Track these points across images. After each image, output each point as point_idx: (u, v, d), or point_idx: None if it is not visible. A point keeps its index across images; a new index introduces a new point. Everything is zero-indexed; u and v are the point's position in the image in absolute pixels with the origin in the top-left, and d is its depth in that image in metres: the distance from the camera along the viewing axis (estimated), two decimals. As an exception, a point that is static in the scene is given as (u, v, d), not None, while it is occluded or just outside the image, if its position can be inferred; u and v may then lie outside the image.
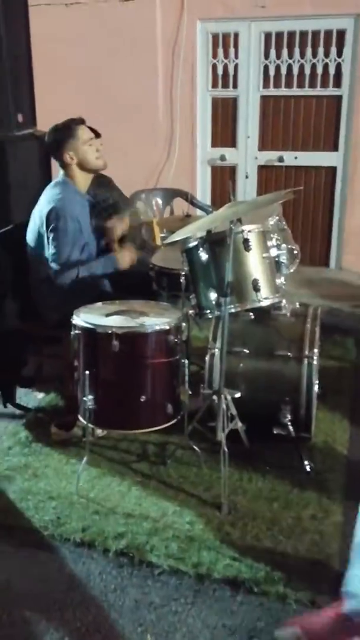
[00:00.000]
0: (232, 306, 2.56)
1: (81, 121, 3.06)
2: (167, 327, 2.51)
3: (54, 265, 2.93)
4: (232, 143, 5.46)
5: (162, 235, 4.17)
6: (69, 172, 3.04)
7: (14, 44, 3.69)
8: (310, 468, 2.72)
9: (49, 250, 2.94)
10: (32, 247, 3.04)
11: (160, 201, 5.04)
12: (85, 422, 2.57)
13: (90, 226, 3.16)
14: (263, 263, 2.62)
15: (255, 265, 2.59)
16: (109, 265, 3.07)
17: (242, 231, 2.53)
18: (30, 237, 3.05)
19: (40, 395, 3.38)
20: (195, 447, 2.75)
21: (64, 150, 2.99)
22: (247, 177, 5.47)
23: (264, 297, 2.60)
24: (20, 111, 3.77)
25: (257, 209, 2.49)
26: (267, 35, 5.12)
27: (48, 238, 2.94)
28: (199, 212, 4.99)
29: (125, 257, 3.15)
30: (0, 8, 3.49)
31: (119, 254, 3.15)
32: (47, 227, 2.93)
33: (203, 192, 5.59)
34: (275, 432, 2.79)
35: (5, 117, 3.64)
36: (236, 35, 5.19)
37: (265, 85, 5.25)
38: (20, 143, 3.66)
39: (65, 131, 3.00)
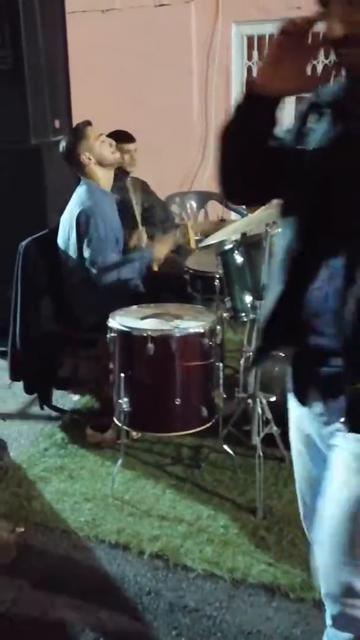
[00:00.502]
0: (267, 309, 2.53)
1: (87, 123, 3.08)
2: (202, 330, 2.50)
3: (92, 269, 2.95)
4: (268, 145, 5.43)
5: (197, 238, 4.18)
6: (89, 173, 3.06)
7: (51, 51, 3.73)
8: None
9: (86, 254, 2.97)
10: (64, 251, 3.07)
11: (194, 204, 5.04)
12: (120, 425, 2.58)
13: (119, 222, 3.19)
14: (299, 265, 2.59)
15: (291, 267, 2.56)
16: (147, 258, 3.10)
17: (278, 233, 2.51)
18: (62, 241, 3.09)
19: (76, 397, 3.42)
20: (229, 451, 2.74)
21: (80, 152, 3.02)
22: (282, 179, 5.43)
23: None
24: (57, 117, 3.81)
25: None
26: (303, 36, 5.08)
27: (82, 242, 2.96)
28: (233, 215, 4.97)
29: (162, 249, 3.19)
30: (38, 16, 3.53)
31: (157, 245, 3.19)
32: (80, 231, 2.96)
33: (238, 194, 5.57)
34: (311, 436, 2.75)
35: (42, 123, 3.68)
36: (271, 37, 5.14)
37: (301, 86, 5.20)
38: (56, 148, 3.69)
39: (76, 135, 3.06)
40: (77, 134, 3.04)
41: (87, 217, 2.94)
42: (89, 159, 3.03)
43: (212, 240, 2.58)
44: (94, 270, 2.95)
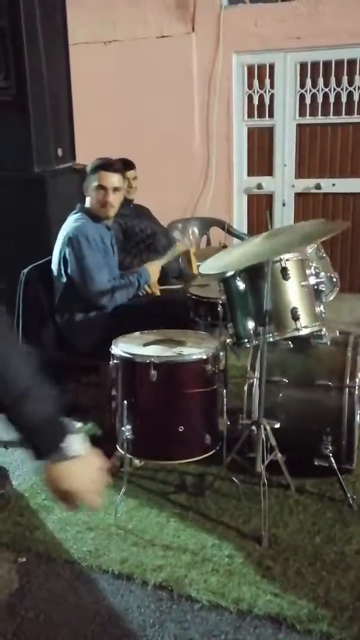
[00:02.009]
0: (270, 335, 2.53)
1: (108, 168, 3.09)
2: (205, 357, 2.50)
3: (87, 291, 2.98)
4: (269, 171, 5.49)
5: (199, 264, 4.20)
6: (89, 203, 3.15)
7: (55, 81, 3.80)
8: (353, 501, 2.64)
9: (77, 278, 3.00)
10: (56, 276, 3.11)
11: (197, 230, 5.08)
12: (123, 453, 2.56)
13: (112, 250, 3.21)
14: (302, 291, 2.59)
15: (294, 293, 2.57)
16: (140, 282, 3.14)
17: (280, 260, 2.52)
18: (54, 267, 3.12)
19: (78, 424, 3.39)
20: (234, 479, 2.71)
21: (86, 185, 3.14)
22: (284, 204, 5.48)
23: (304, 326, 2.56)
24: (60, 145, 3.86)
25: (296, 239, 2.46)
26: (303, 65, 5.17)
27: (74, 265, 3.00)
28: (235, 241, 5.00)
29: (154, 269, 3.24)
30: (42, 47, 3.60)
31: (150, 267, 3.23)
32: (71, 255, 3.00)
33: (240, 220, 5.62)
34: (316, 463, 2.73)
35: (46, 151, 3.73)
36: (271, 66, 5.25)
37: (302, 113, 5.28)
38: (59, 177, 3.74)
39: (92, 167, 3.13)
40: (93, 168, 3.11)
41: (77, 240, 2.99)
42: (85, 190, 3.14)
43: (215, 269, 2.58)
44: (90, 292, 2.99)
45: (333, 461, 2.69)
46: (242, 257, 2.48)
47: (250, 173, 5.55)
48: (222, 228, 4.95)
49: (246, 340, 2.64)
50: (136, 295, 3.20)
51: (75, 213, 3.13)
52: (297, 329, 2.56)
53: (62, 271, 3.07)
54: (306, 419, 2.75)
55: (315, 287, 2.74)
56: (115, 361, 2.57)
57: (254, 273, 2.51)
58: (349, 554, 2.36)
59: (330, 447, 2.69)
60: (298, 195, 5.44)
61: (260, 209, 5.57)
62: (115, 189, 3.10)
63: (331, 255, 3.24)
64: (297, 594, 2.17)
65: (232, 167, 5.50)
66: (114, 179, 3.10)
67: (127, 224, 3.89)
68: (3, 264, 3.73)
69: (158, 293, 3.33)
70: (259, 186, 5.51)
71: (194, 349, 2.55)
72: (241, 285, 2.57)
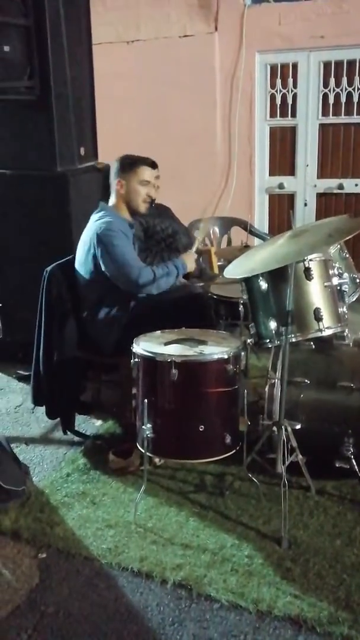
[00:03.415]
0: (293, 335, 2.52)
1: (150, 164, 3.14)
2: (226, 357, 2.49)
3: (130, 281, 2.95)
4: (291, 171, 5.46)
5: (220, 263, 4.18)
6: (116, 200, 3.13)
7: (78, 81, 3.82)
8: (374, 504, 2.62)
9: (116, 272, 2.96)
10: (80, 274, 3.10)
11: (217, 230, 5.06)
12: (143, 451, 2.56)
13: (134, 247, 3.21)
14: (325, 292, 2.58)
15: (317, 294, 2.55)
16: (180, 266, 3.10)
17: (304, 260, 2.50)
18: (78, 265, 3.10)
19: (99, 422, 3.41)
20: (254, 479, 2.70)
21: (120, 177, 3.09)
22: (305, 205, 5.45)
23: (326, 327, 2.55)
24: (83, 145, 3.88)
25: (320, 238, 2.43)
26: (326, 65, 5.13)
27: (108, 260, 2.96)
28: (256, 241, 4.98)
29: (191, 259, 3.20)
30: (65, 47, 3.62)
31: (185, 257, 3.19)
32: (105, 249, 2.96)
33: (261, 220, 5.59)
34: (337, 465, 2.71)
35: (69, 150, 3.75)
36: (294, 66, 5.22)
37: (325, 113, 5.24)
38: (82, 175, 3.76)
39: (129, 162, 3.11)
40: (131, 162, 3.10)
41: (109, 233, 2.96)
42: (121, 187, 3.09)
43: (239, 271, 2.56)
44: (132, 276, 2.94)
45: (355, 463, 2.66)
46: (266, 260, 2.46)
47: (272, 173, 5.52)
48: (243, 228, 4.93)
49: (268, 340, 2.63)
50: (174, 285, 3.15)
51: (98, 212, 3.13)
52: (320, 330, 2.54)
53: (91, 269, 3.04)
54: (328, 420, 2.73)
55: (338, 287, 2.72)
56: (136, 360, 2.58)
57: (277, 273, 2.49)
58: (370, 557, 2.34)
59: (351, 449, 2.67)
60: (320, 195, 5.41)
61: (281, 209, 5.55)
62: (155, 185, 3.15)
63: (354, 254, 3.21)
64: (317, 596, 2.16)
65: (253, 167, 5.48)
66: (155, 174, 3.15)
67: (149, 223, 3.89)
68: (26, 262, 3.76)
69: (216, 271, 3.31)
70: (281, 186, 5.49)
71: (215, 349, 2.55)
72: (264, 285, 2.56)
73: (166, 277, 3.03)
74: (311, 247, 2.38)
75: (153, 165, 3.75)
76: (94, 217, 3.12)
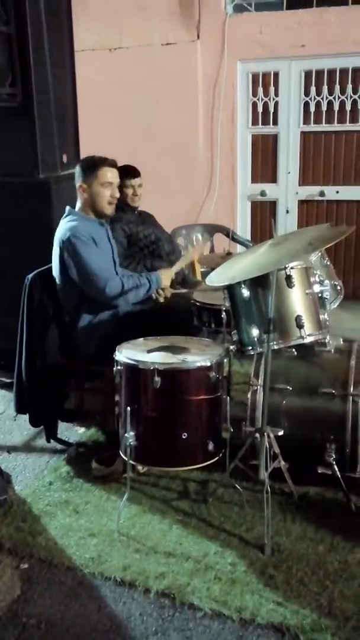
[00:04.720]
0: (275, 343, 2.53)
1: (111, 164, 3.08)
2: (209, 364, 2.50)
3: (95, 290, 2.94)
4: (273, 178, 5.50)
5: (203, 270, 4.20)
6: (82, 203, 3.10)
7: (60, 88, 3.81)
8: (356, 509, 2.64)
9: (81, 280, 2.96)
10: (58, 282, 3.09)
11: (200, 237, 5.08)
12: (126, 459, 2.56)
13: (112, 253, 3.19)
14: (306, 299, 2.60)
15: (298, 301, 2.57)
16: (154, 280, 3.10)
17: (285, 268, 2.52)
18: (55, 272, 3.09)
19: (82, 429, 3.39)
20: (237, 486, 2.71)
21: (82, 181, 3.05)
22: (287, 212, 5.49)
23: (308, 334, 2.56)
24: (65, 152, 3.87)
25: (301, 246, 2.46)
26: (307, 73, 5.19)
27: (73, 267, 2.95)
28: (239, 247, 5.01)
29: (168, 275, 3.20)
30: (47, 54, 3.62)
31: (162, 272, 3.19)
32: (69, 258, 2.96)
33: (243, 227, 5.63)
34: (319, 471, 2.72)
35: (51, 158, 3.74)
36: (276, 74, 5.27)
37: (306, 121, 5.29)
38: (64, 182, 3.75)
39: (90, 165, 3.06)
40: (90, 166, 3.05)
41: (74, 239, 2.94)
42: (84, 191, 3.06)
43: (222, 279, 2.57)
44: (98, 286, 2.94)
45: (337, 469, 2.68)
46: (248, 268, 2.48)
47: (254, 180, 5.56)
48: (226, 235, 4.96)
49: (250, 347, 2.64)
50: (147, 299, 3.15)
51: (65, 216, 3.11)
52: (302, 337, 2.56)
53: (64, 276, 3.04)
54: (310, 427, 2.75)
55: (319, 295, 2.75)
56: (119, 367, 2.57)
57: (259, 280, 2.51)
58: (352, 563, 2.35)
59: (333, 455, 2.68)
60: (302, 202, 5.45)
61: (263, 215, 5.58)
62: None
63: (335, 262, 3.25)
64: (300, 603, 2.16)
65: (236, 174, 5.51)
66: (116, 175, 3.10)
67: (132, 230, 3.90)
68: (7, 269, 3.74)
69: (199, 277, 3.30)
70: (263, 193, 5.52)
71: (198, 356, 2.55)
72: (246, 292, 2.57)
73: (136, 290, 3.03)
74: (291, 255, 2.40)
75: (134, 173, 3.75)
76: (61, 223, 3.10)
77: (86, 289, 2.99)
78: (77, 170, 3.09)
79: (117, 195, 3.14)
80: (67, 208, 3.13)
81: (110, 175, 3.06)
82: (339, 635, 2.02)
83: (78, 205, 3.13)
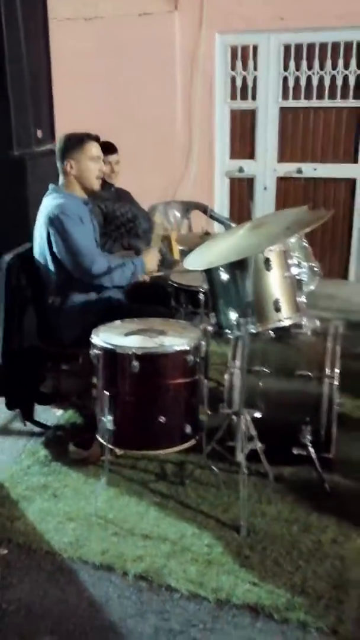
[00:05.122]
0: (252, 326, 2.53)
1: (95, 138, 3.04)
2: (187, 348, 2.49)
3: (81, 269, 2.92)
4: (251, 155, 5.46)
5: (181, 248, 4.17)
6: (66, 181, 3.04)
7: (33, 59, 3.70)
8: (330, 490, 2.69)
9: (68, 258, 2.92)
10: (42, 264, 3.04)
11: (178, 214, 5.04)
12: (103, 443, 2.56)
13: (94, 233, 3.15)
14: (284, 282, 2.59)
15: (276, 284, 2.56)
16: (138, 267, 3.06)
17: (263, 251, 2.51)
18: (37, 252, 3.05)
19: (59, 412, 3.38)
20: (213, 468, 2.73)
21: (68, 157, 2.99)
22: (265, 188, 5.46)
23: (285, 317, 2.56)
24: (40, 127, 3.78)
25: (280, 230, 2.45)
26: (287, 47, 5.12)
27: (60, 245, 2.91)
28: (216, 226, 4.98)
29: (153, 259, 3.16)
30: (22, 27, 3.50)
31: (146, 256, 3.15)
32: (56, 235, 2.91)
33: (221, 203, 5.59)
34: (295, 452, 2.76)
35: (25, 133, 3.65)
36: (255, 48, 5.19)
37: (285, 97, 5.24)
38: (39, 159, 3.67)
39: (75, 141, 3.01)
40: (77, 141, 3.00)
41: (62, 216, 2.89)
42: (71, 167, 3.00)
43: (199, 263, 2.55)
44: (84, 264, 2.90)
45: (312, 450, 2.72)
46: (226, 252, 2.46)
47: (233, 156, 5.51)
48: (203, 212, 4.92)
49: (228, 330, 2.64)
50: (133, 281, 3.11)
51: (49, 194, 3.05)
52: (279, 320, 2.56)
53: (48, 254, 2.98)
54: (286, 409, 2.78)
55: (297, 277, 2.74)
56: (96, 351, 2.56)
57: (237, 263, 2.48)
58: (325, 543, 2.41)
59: (309, 437, 2.72)
60: (280, 179, 5.43)
61: (242, 192, 5.55)
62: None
63: (312, 241, 3.24)
64: (274, 583, 2.21)
65: (214, 150, 5.46)
66: (99, 149, 3.07)
67: (108, 207, 3.85)
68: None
69: (177, 257, 3.27)
70: (241, 169, 5.48)
71: (176, 339, 2.54)
72: (224, 275, 2.55)
73: (121, 270, 2.99)
74: (270, 239, 2.39)
75: (112, 149, 3.69)
76: (46, 200, 3.02)
77: (71, 268, 2.94)
78: (61, 146, 3.01)
79: (104, 169, 3.13)
80: (51, 185, 3.06)
81: (96, 149, 3.03)
82: (312, 614, 2.07)
83: (62, 182, 3.06)
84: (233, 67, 5.28)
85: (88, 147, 2.99)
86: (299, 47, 5.09)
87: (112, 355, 2.50)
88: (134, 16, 5.20)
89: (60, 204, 2.94)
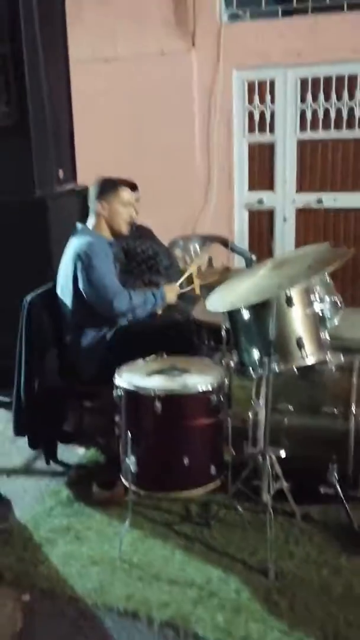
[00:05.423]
0: (276, 365, 2.51)
1: (130, 185, 3.21)
2: (210, 388, 2.48)
3: (104, 304, 2.96)
4: (270, 186, 5.47)
5: (202, 283, 4.16)
6: (97, 221, 3.14)
7: (56, 102, 3.79)
8: (359, 529, 2.62)
9: (92, 293, 2.96)
10: (65, 301, 3.08)
11: (198, 247, 5.05)
12: (127, 485, 2.53)
13: (116, 273, 3.20)
14: (307, 319, 2.57)
15: (298, 322, 2.54)
16: (159, 297, 3.12)
17: (285, 289, 2.49)
18: (60, 289, 3.10)
19: (82, 450, 3.36)
20: (239, 508, 2.68)
21: (102, 199, 3.10)
22: (285, 220, 5.46)
23: (309, 355, 2.54)
24: (61, 167, 3.85)
25: (302, 270, 2.43)
26: (304, 81, 5.16)
27: (85, 280, 2.96)
28: (236, 259, 4.98)
29: (173, 292, 3.22)
30: (44, 70, 3.59)
31: (166, 288, 3.21)
32: (82, 270, 2.96)
33: (240, 236, 5.60)
34: (322, 491, 2.70)
35: (47, 173, 3.71)
36: (272, 82, 5.24)
37: (302, 128, 5.27)
38: (60, 199, 3.73)
39: (111, 185, 3.13)
40: (111, 185, 3.13)
41: (89, 254, 2.97)
42: (103, 209, 3.10)
43: (221, 306, 2.55)
44: (108, 297, 2.96)
45: (339, 488, 2.66)
46: (247, 293, 2.46)
47: (251, 188, 5.53)
48: (224, 245, 4.93)
49: (251, 369, 2.61)
50: (152, 313, 3.16)
51: (78, 234, 3.12)
52: (303, 358, 2.53)
53: (71, 291, 3.04)
54: (312, 446, 2.73)
55: (320, 313, 2.72)
56: (119, 391, 2.55)
57: (259, 303, 2.48)
58: (357, 587, 2.33)
59: (336, 475, 2.66)
60: (299, 210, 5.43)
61: (261, 224, 5.56)
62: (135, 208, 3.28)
63: (334, 270, 3.21)
64: (305, 631, 2.14)
65: (233, 183, 5.49)
66: (135, 197, 3.27)
67: (129, 245, 3.87)
68: (5, 288, 3.71)
69: (198, 291, 3.32)
70: (260, 201, 5.50)
71: (199, 379, 2.52)
72: (246, 314, 2.55)
73: (143, 305, 3.05)
74: (291, 280, 2.38)
75: (132, 187, 3.76)
76: (74, 238, 3.11)
77: (94, 302, 3.00)
78: (96, 188, 3.14)
79: (135, 215, 3.27)
80: (79, 225, 3.16)
81: (129, 196, 3.17)
82: (345, 666, 2.00)
83: (91, 222, 3.15)
84: (250, 102, 5.33)
85: (121, 192, 3.12)
86: (315, 81, 5.13)
87: (134, 396, 2.50)
88: (152, 56, 5.30)
89: (89, 241, 3.04)
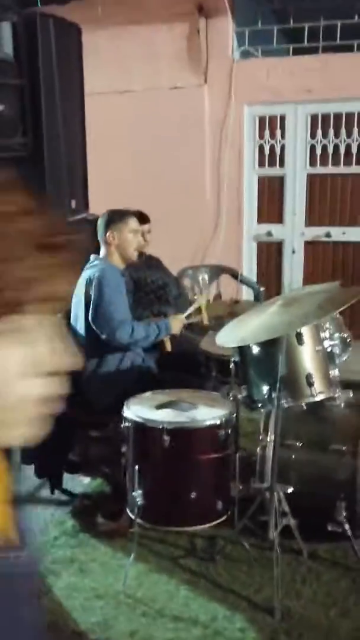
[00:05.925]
0: (285, 401, 2.51)
1: (142, 216, 3.33)
2: (218, 422, 2.47)
3: (108, 329, 2.98)
4: (279, 219, 5.53)
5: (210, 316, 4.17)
6: (108, 251, 3.19)
7: (70, 133, 3.86)
8: (367, 570, 2.59)
9: (98, 317, 2.99)
10: (76, 330, 3.10)
11: (207, 278, 5.08)
12: (133, 517, 2.52)
13: (127, 302, 3.22)
14: (316, 356, 2.58)
15: (308, 359, 2.55)
16: (163, 328, 3.13)
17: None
18: (73, 318, 3.12)
19: (87, 480, 3.35)
20: (245, 544, 2.66)
21: (110, 229, 3.15)
22: (293, 252, 5.50)
23: (318, 392, 2.54)
24: (74, 197, 3.91)
25: (312, 310, 2.44)
26: (314, 117, 5.24)
27: (96, 303, 3.00)
28: (244, 290, 5.01)
29: (178, 324, 3.23)
30: (59, 103, 3.67)
31: (172, 319, 3.22)
32: (95, 299, 3.00)
33: (249, 267, 5.64)
34: (329, 528, 2.67)
35: (60, 203, 3.77)
36: (282, 118, 5.33)
37: (312, 163, 5.34)
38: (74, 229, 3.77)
39: (119, 215, 3.20)
40: (119, 215, 3.20)
41: (101, 283, 3.01)
42: (113, 238, 3.15)
43: (230, 342, 2.57)
44: (113, 326, 2.98)
45: (347, 527, 2.63)
46: (257, 329, 2.47)
47: (260, 220, 5.59)
48: (233, 276, 4.96)
49: (260, 404, 2.62)
50: (154, 345, 3.18)
51: (91, 264, 3.15)
52: (312, 395, 2.54)
53: (83, 319, 3.07)
54: (320, 484, 2.71)
55: (329, 350, 2.73)
56: (127, 424, 2.55)
57: (269, 340, 2.49)
58: (365, 629, 2.30)
59: (344, 512, 2.64)
60: (308, 243, 5.47)
61: (270, 256, 5.60)
62: (146, 238, 3.42)
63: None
64: (312, 675, 2.11)
65: (242, 215, 5.54)
66: (145, 227, 3.41)
67: (139, 275, 3.90)
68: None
69: (169, 349, 3.31)
70: (269, 233, 5.54)
71: (207, 413, 2.53)
72: (255, 349, 2.56)
73: (145, 338, 3.07)
74: (301, 319, 2.40)
75: (144, 218, 3.83)
76: (88, 268, 3.13)
77: (98, 328, 3.01)
78: (104, 220, 3.21)
79: (143, 242, 3.38)
80: (93, 256, 3.21)
81: (136, 224, 3.24)
82: None
83: (103, 252, 3.20)
84: (261, 136, 5.42)
85: (129, 221, 3.18)
86: (325, 117, 5.21)
87: (142, 429, 2.49)
88: (165, 89, 5.40)
89: (102, 269, 3.09)
